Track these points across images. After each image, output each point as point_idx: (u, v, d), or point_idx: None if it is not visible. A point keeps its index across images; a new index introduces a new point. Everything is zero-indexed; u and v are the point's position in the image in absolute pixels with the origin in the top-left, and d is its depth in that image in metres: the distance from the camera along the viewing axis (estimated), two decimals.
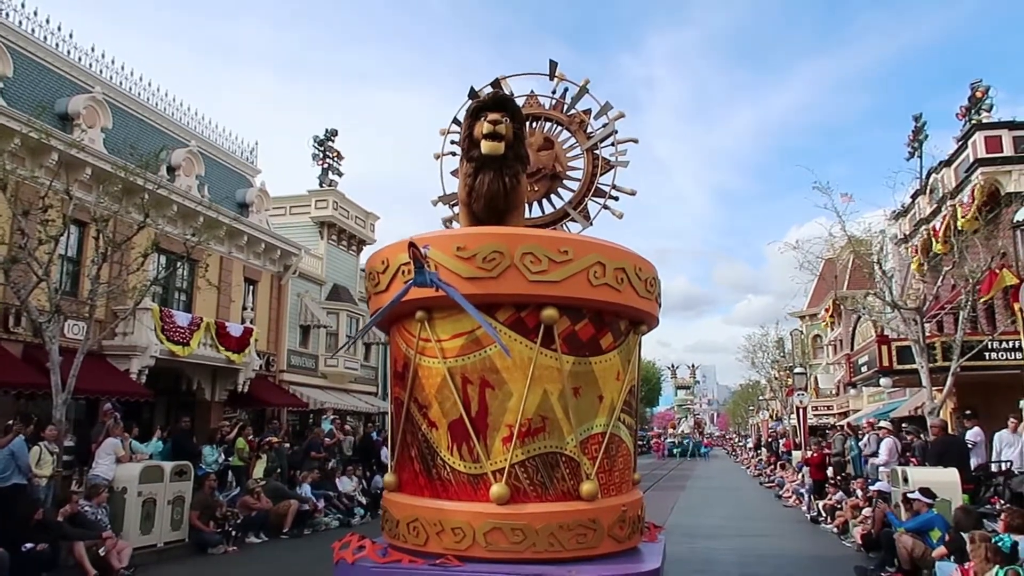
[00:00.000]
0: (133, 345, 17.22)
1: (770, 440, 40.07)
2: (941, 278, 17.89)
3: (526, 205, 7.44)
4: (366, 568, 5.62)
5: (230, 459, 15.23)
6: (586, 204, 8.06)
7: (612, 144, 8.07)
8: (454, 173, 7.80)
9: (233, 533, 12.40)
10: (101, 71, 19.67)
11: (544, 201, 8.17)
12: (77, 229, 16.46)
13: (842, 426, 25.31)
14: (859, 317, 24.97)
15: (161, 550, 11.43)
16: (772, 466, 30.13)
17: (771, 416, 51.54)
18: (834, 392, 42.71)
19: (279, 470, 15.60)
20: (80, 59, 19.02)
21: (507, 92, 7.79)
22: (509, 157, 6.10)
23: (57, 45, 18.32)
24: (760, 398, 60.50)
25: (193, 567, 10.89)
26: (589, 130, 8.20)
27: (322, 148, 30.22)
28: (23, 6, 17.56)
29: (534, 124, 8.33)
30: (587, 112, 8.24)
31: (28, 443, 10.53)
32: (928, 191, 25.06)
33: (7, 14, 17.05)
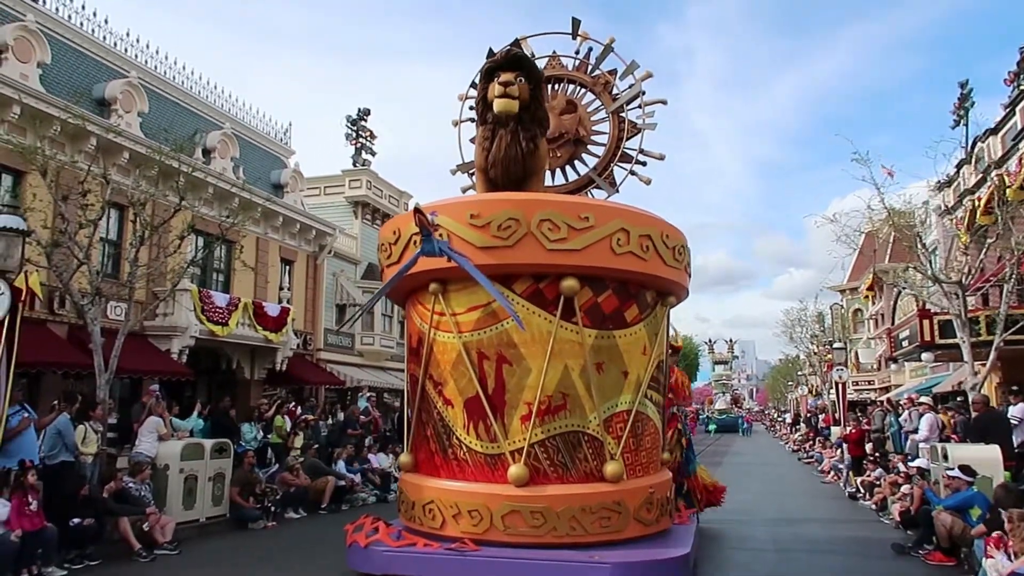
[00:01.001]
0: (173, 326, 17.59)
1: (809, 416, 39.60)
2: (985, 250, 17.39)
3: (547, 171, 7.15)
4: (379, 552, 5.40)
5: (269, 436, 15.53)
6: (612, 170, 7.61)
7: (639, 106, 7.60)
8: (473, 140, 7.45)
9: (272, 509, 12.67)
10: (136, 56, 19.92)
11: (568, 168, 7.75)
12: (116, 212, 16.79)
13: (882, 401, 24.90)
14: (900, 291, 24.43)
15: (203, 525, 11.73)
16: (811, 442, 29.81)
17: (810, 392, 50.89)
18: (875, 367, 41.99)
19: (316, 447, 15.86)
20: (116, 44, 19.27)
21: (527, 53, 7.46)
22: (525, 119, 5.76)
23: (93, 31, 18.58)
24: (799, 373, 59.75)
25: (234, 541, 11.16)
26: (615, 92, 7.72)
27: (355, 128, 30.34)
28: None
29: (556, 87, 7.90)
30: (612, 73, 7.74)
31: (74, 422, 10.84)
32: (974, 160, 24.31)
33: (44, 1, 17.32)
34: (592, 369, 5.42)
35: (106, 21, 19.01)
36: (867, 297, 40.32)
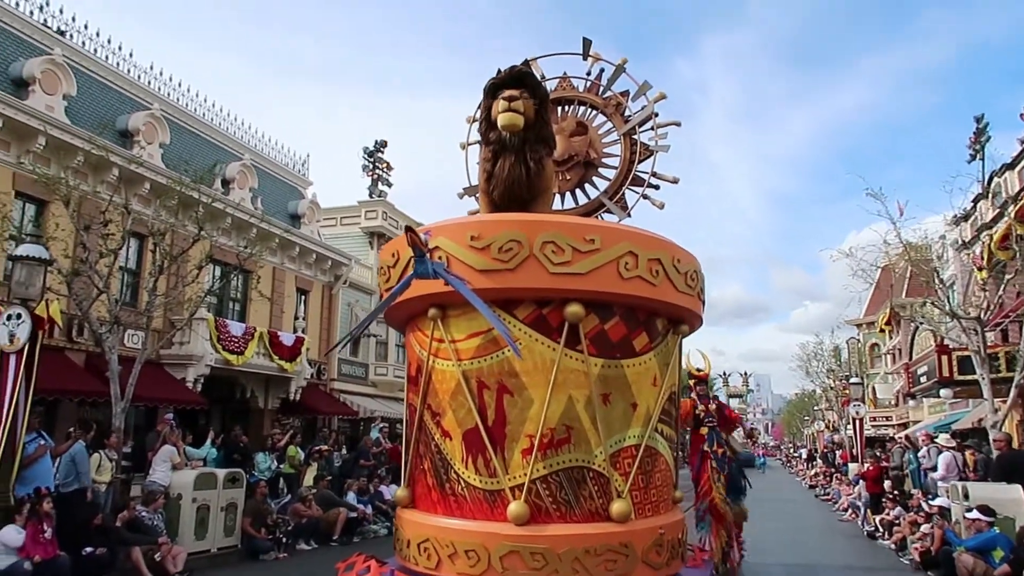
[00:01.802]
0: (189, 354, 17.68)
1: (826, 451, 39.09)
2: (1004, 285, 17.25)
3: (556, 194, 6.93)
4: None
5: (282, 466, 15.49)
6: (624, 194, 7.34)
7: (652, 128, 7.32)
8: None
9: (284, 540, 12.60)
10: (159, 88, 20.32)
11: (578, 191, 7.50)
12: (136, 242, 16.99)
13: (901, 438, 24.56)
14: (917, 326, 24.22)
15: (214, 555, 11.67)
16: (827, 478, 29.38)
17: (827, 427, 50.28)
18: (893, 403, 41.45)
19: (329, 478, 15.80)
20: (140, 77, 19.67)
21: (537, 74, 7.25)
22: (530, 138, 5.45)
23: (118, 64, 18.99)
24: (815, 408, 59.09)
25: (245, 572, 11.09)
26: (627, 113, 7.46)
27: (371, 159, 30.68)
28: (86, 27, 18.27)
29: (567, 108, 7.70)
30: (624, 94, 7.50)
31: (89, 449, 10.89)
32: (991, 195, 24.20)
33: (71, 35, 17.75)
34: (598, 400, 5.11)
35: (131, 55, 19.47)
36: (884, 332, 39.96)
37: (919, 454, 17.00)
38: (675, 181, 7.33)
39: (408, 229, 4.63)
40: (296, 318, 23.64)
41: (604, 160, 7.51)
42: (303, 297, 24.42)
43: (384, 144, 31.16)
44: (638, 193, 7.37)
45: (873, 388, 41.56)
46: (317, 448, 16.63)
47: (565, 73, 7.81)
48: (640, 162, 7.33)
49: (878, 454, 22.07)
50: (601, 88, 7.60)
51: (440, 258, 4.95)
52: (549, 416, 5.01)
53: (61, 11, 17.75)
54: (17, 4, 16.50)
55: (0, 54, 15.64)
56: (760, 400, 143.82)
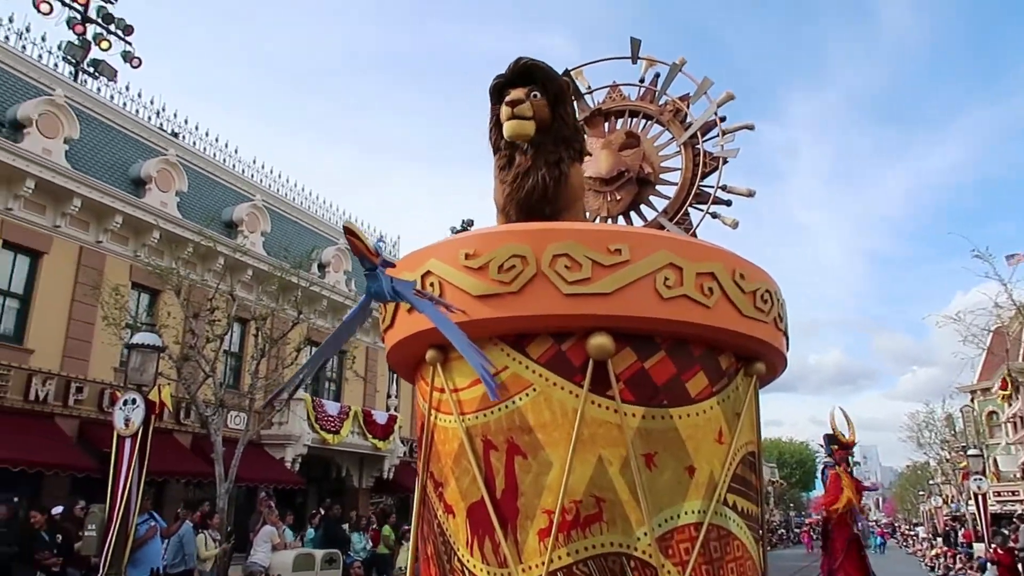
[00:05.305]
0: (288, 434, 18.16)
1: (947, 530, 36.35)
2: None
3: (607, 219, 6.07)
4: None
5: (377, 547, 15.50)
6: (687, 213, 6.31)
7: (719, 134, 6.30)
8: None
9: None
10: (261, 180, 21.60)
11: (632, 213, 6.53)
12: (239, 327, 17.80)
13: None
14: None
15: None
16: (951, 560, 27.24)
17: (945, 502, 46.85)
18: (1018, 476, 38.39)
19: None
20: (243, 171, 21.00)
21: (583, 85, 6.51)
22: (546, 142, 4.52)
23: (224, 160, 20.35)
24: (931, 482, 55.30)
25: None
26: (689, 120, 6.50)
27: None
28: (197, 128, 19.75)
29: (617, 121, 6.81)
30: (684, 98, 6.56)
31: (194, 530, 11.20)
32: None
33: (183, 136, 19.19)
34: (639, 463, 3.76)
35: (236, 151, 20.85)
36: (1002, 399, 37.38)
37: None
38: (750, 194, 6.23)
39: (347, 231, 3.30)
40: (389, 396, 24.03)
41: (662, 175, 6.51)
42: (395, 375, 24.84)
43: (471, 223, 31.89)
44: (703, 211, 6.21)
45: (995, 460, 38.64)
46: (409, 528, 16.58)
47: (614, 82, 6.80)
48: (706, 175, 6.23)
49: (1005, 533, 20.36)
50: (656, 93, 6.61)
51: (432, 285, 3.93)
52: (572, 484, 3.75)
53: (175, 115, 19.30)
54: (138, 112, 18.02)
55: (122, 157, 17.02)
56: (868, 473, 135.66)
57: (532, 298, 3.80)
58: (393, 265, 3.74)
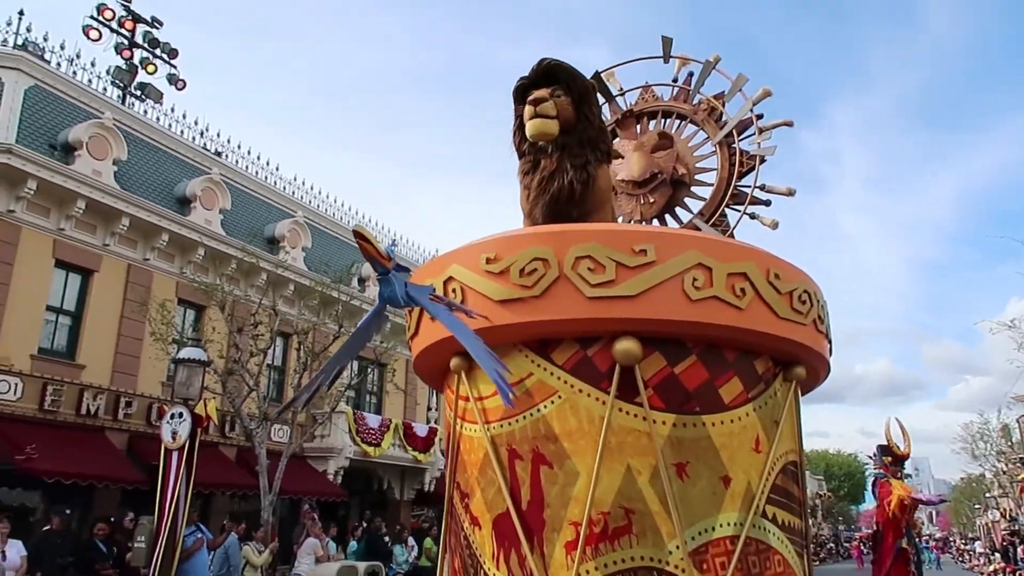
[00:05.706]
0: (330, 447, 18.34)
1: (1005, 545, 35.14)
2: None
3: (630, 218, 5.89)
4: None
5: (419, 560, 15.55)
6: (724, 214, 6.15)
7: (756, 131, 6.08)
8: None
9: None
10: (302, 196, 21.95)
11: (667, 216, 6.34)
12: (281, 341, 18.06)
13: None
14: None
15: None
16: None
17: (1003, 516, 45.31)
18: None
19: None
20: (285, 188, 21.36)
21: (615, 88, 6.34)
22: (571, 143, 4.41)
23: (266, 178, 20.74)
24: (987, 495, 53.56)
25: None
26: (724, 118, 6.32)
27: None
28: (239, 147, 20.19)
29: (650, 123, 6.62)
30: (719, 96, 6.38)
31: (239, 542, 11.36)
32: None
33: (226, 155, 19.63)
34: (670, 473, 3.62)
35: (277, 168, 21.24)
36: None
37: None
38: (790, 193, 6.03)
39: (357, 235, 3.25)
40: (429, 409, 24.15)
41: (697, 176, 6.34)
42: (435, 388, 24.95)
43: None
44: (740, 211, 5.99)
45: None
46: None
47: (647, 82, 6.66)
48: (742, 175, 6.02)
49: None
50: (689, 92, 6.45)
51: (454, 291, 3.86)
52: (600, 495, 3.61)
53: (219, 134, 19.76)
54: (182, 132, 18.49)
55: (168, 176, 17.47)
56: (920, 486, 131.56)
57: (555, 302, 3.71)
58: (407, 270, 3.66)
